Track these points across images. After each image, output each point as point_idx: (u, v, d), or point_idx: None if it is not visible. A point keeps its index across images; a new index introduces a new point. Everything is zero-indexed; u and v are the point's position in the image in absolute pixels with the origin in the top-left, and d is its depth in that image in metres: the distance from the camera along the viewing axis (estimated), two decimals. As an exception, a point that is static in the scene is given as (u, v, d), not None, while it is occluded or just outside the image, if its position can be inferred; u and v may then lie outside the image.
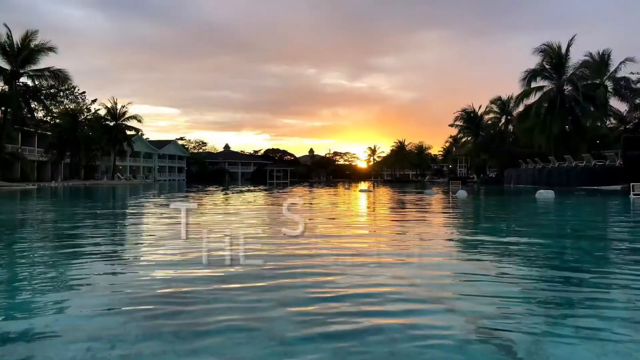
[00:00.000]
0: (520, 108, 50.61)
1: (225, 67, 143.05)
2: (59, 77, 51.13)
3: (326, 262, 6.90)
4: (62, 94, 63.87)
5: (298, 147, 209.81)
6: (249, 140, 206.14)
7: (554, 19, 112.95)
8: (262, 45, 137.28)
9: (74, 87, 65.73)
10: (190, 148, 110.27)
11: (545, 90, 45.79)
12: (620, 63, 45.49)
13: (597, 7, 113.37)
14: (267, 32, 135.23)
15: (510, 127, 64.47)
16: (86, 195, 32.29)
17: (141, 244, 9.36)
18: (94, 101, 72.70)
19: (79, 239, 9.67)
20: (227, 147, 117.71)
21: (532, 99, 46.99)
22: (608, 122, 49.56)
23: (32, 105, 53.45)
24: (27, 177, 54.17)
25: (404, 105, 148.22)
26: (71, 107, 66.48)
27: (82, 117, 67.86)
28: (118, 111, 73.32)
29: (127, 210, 18.48)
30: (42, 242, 9.59)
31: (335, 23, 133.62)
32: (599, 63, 46.67)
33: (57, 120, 63.36)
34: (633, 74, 44.10)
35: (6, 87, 48.84)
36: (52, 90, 58.49)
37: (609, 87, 46.62)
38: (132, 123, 74.80)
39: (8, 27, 47.91)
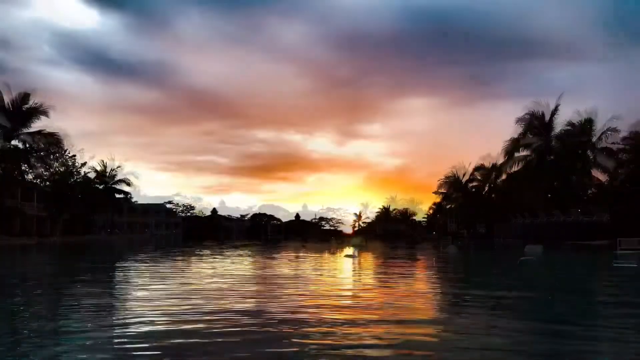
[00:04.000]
0: (503, 176, 51.23)
1: (213, 132, 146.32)
2: (51, 140, 51.80)
3: (326, 319, 7.07)
4: (54, 156, 64.24)
5: (284, 213, 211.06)
6: (237, 204, 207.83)
7: (539, 88, 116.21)
8: (249, 111, 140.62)
9: (67, 150, 66.10)
10: (179, 212, 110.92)
11: (528, 159, 46.59)
12: (602, 133, 46.41)
13: (583, 74, 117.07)
14: (254, 98, 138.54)
15: (493, 195, 64.72)
16: (85, 250, 31.84)
17: (139, 297, 9.24)
18: (83, 164, 72.96)
19: (76, 293, 9.60)
20: (214, 211, 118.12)
21: (515, 167, 47.57)
22: (589, 191, 50.14)
23: (31, 162, 53.86)
24: (26, 231, 53.93)
25: (390, 171, 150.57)
26: (61, 170, 66.59)
27: (72, 179, 67.97)
28: (108, 174, 73.85)
29: (125, 264, 18.29)
30: (41, 296, 9.42)
31: (321, 90, 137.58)
32: (581, 133, 47.63)
33: (56, 177, 63.61)
34: (615, 144, 44.95)
35: (5, 144, 49.34)
36: (42, 153, 58.99)
37: (590, 157, 47.43)
38: (122, 187, 75.35)
39: (8, 86, 49.04)
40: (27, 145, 51.46)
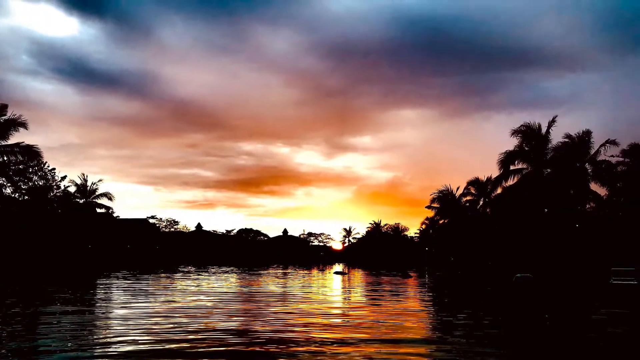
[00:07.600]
0: (499, 190, 51.18)
1: (198, 145, 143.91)
2: (30, 153, 50.63)
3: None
4: (32, 169, 62.79)
5: (272, 227, 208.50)
6: (222, 220, 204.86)
7: (535, 98, 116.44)
8: (235, 122, 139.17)
9: (44, 164, 64.71)
10: (162, 227, 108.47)
11: (524, 172, 46.64)
12: (601, 146, 46.41)
13: (580, 83, 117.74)
14: (240, 109, 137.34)
15: (488, 210, 64.69)
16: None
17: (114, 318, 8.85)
18: (63, 178, 71.45)
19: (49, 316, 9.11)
20: (199, 226, 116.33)
21: (511, 181, 47.65)
22: (587, 206, 50.14)
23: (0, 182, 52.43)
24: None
25: (380, 184, 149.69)
26: (40, 183, 65.04)
27: (51, 194, 66.40)
28: (88, 188, 72.31)
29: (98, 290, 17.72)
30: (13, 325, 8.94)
31: (309, 100, 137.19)
32: (579, 145, 47.62)
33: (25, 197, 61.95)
34: (614, 157, 44.86)
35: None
36: (20, 167, 57.60)
37: (588, 170, 47.43)
38: (103, 201, 73.57)
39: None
40: (5, 159, 50.26)
